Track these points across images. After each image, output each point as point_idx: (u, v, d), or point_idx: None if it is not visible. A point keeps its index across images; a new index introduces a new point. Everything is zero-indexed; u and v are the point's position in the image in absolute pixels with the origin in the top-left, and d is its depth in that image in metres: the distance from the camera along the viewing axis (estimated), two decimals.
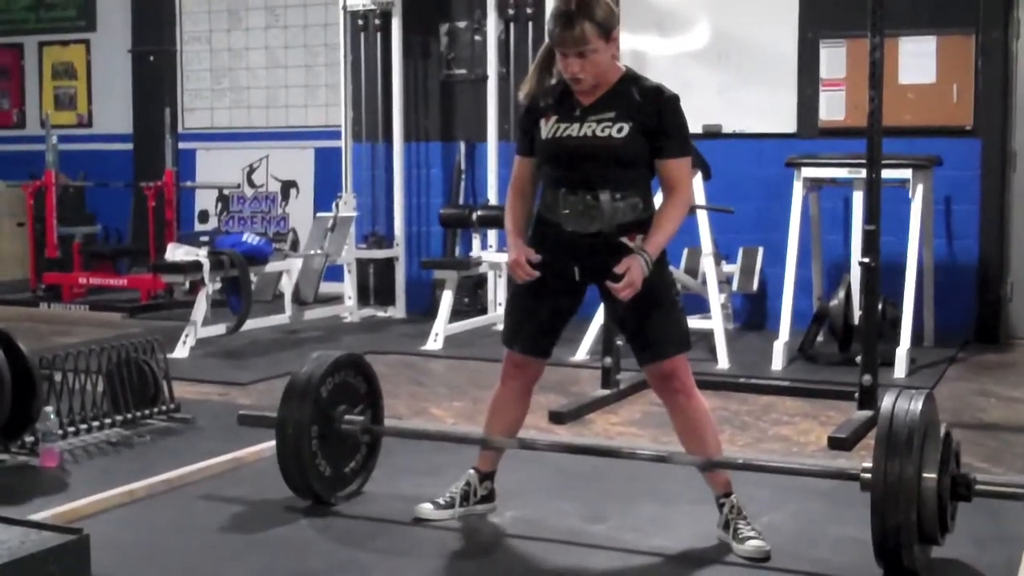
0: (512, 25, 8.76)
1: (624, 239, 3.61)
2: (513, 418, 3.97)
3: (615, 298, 3.62)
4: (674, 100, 3.64)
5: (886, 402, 3.36)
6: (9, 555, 3.08)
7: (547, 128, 3.68)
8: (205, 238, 8.88)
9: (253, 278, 7.76)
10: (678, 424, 3.79)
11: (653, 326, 3.64)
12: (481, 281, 8.64)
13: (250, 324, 7.66)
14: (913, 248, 6.77)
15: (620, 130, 3.59)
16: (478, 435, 4.07)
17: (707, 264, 7.14)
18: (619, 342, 5.88)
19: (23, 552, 3.11)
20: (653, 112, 3.61)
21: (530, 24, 8.64)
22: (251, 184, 10.46)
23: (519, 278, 3.72)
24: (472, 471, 4.00)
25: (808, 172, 7.01)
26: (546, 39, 3.70)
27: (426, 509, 3.94)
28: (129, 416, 5.14)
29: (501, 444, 3.99)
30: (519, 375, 3.90)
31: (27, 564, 3.08)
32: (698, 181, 7.24)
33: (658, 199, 3.75)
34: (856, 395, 5.34)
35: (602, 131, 3.60)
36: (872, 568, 3.34)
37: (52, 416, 4.60)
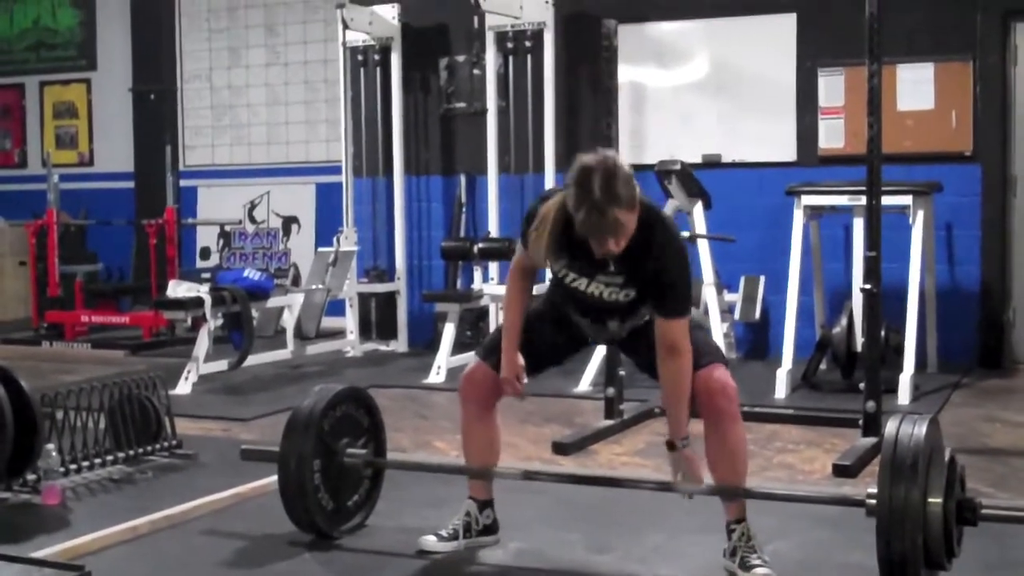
0: (511, 58, 8.79)
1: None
2: (486, 440, 3.95)
3: (637, 347, 3.78)
4: (680, 261, 3.60)
5: (890, 427, 3.34)
6: None
7: (557, 264, 3.68)
8: (207, 274, 8.88)
9: (255, 314, 7.76)
10: (713, 446, 3.72)
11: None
12: (483, 313, 8.63)
13: (252, 360, 7.65)
14: (915, 274, 6.77)
15: (627, 295, 3.63)
16: (481, 467, 4.05)
17: (709, 293, 7.14)
18: (621, 372, 5.86)
19: None
20: (659, 277, 3.57)
21: (528, 57, 8.67)
22: (252, 220, 10.48)
23: (506, 394, 3.82)
24: (469, 501, 3.99)
25: (808, 200, 7.02)
26: (555, 206, 3.55)
27: (430, 541, 3.92)
28: (131, 452, 5.12)
29: (501, 474, 3.99)
30: (473, 393, 3.88)
31: None
32: (699, 210, 7.26)
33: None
34: (860, 422, 5.31)
35: (609, 295, 3.64)
36: None
37: (54, 453, 4.59)
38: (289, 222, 10.35)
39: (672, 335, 3.59)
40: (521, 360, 3.79)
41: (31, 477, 4.62)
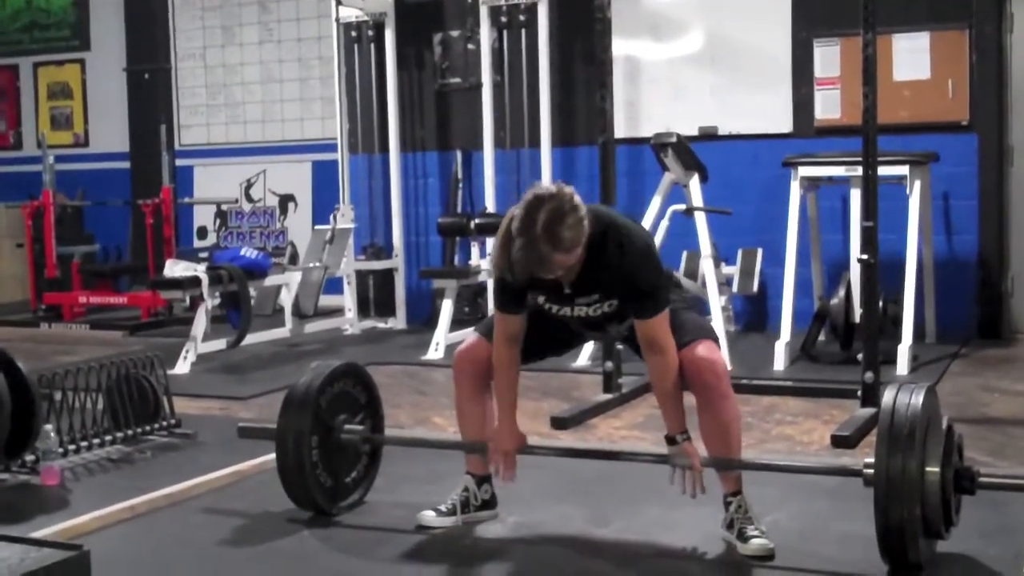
0: (505, 32, 8.75)
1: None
2: (482, 416, 3.94)
3: (631, 336, 3.74)
4: (642, 261, 3.55)
5: (887, 397, 3.34)
6: (9, 572, 3.06)
7: (539, 301, 3.69)
8: (204, 254, 8.87)
9: (252, 292, 7.75)
10: (705, 422, 3.71)
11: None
12: (481, 289, 8.63)
13: (250, 338, 7.65)
14: (912, 244, 6.75)
15: (611, 306, 3.64)
16: (479, 442, 4.05)
17: (706, 266, 7.13)
18: (619, 347, 5.86)
19: (24, 569, 3.09)
20: (628, 283, 3.55)
21: (523, 31, 8.64)
22: (249, 199, 10.47)
23: (500, 476, 3.86)
24: (468, 476, 4.00)
25: (805, 171, 7.00)
26: (507, 220, 3.50)
27: (428, 516, 3.92)
28: (130, 432, 5.12)
29: None
30: (470, 368, 3.88)
31: None
32: (695, 183, 7.24)
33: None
34: (859, 393, 5.32)
35: (594, 312, 3.66)
36: (877, 564, 3.32)
37: (52, 434, 4.59)
38: (286, 200, 10.34)
39: (651, 333, 3.59)
40: (519, 437, 3.84)
41: (30, 458, 4.63)
